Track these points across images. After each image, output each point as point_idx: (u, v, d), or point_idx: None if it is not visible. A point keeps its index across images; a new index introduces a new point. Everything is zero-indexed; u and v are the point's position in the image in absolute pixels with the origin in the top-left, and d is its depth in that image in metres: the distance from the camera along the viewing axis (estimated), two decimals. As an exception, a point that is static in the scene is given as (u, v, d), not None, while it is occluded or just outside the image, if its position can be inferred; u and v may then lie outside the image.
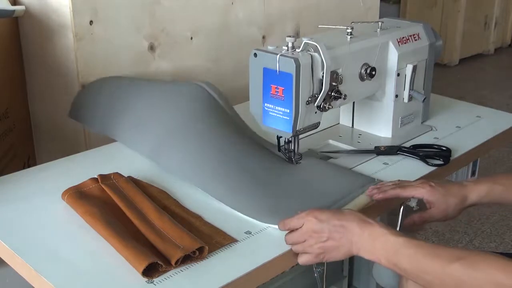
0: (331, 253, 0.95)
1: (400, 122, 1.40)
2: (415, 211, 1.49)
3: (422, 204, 1.53)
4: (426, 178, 1.25)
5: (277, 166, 1.22)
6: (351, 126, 1.47)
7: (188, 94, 1.36)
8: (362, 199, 1.11)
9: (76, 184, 1.12)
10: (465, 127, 1.48)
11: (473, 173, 1.50)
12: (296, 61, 1.09)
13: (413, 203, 1.14)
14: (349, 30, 1.25)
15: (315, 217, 0.96)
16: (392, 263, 0.90)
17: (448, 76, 4.21)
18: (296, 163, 1.23)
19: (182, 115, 1.29)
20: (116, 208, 1.06)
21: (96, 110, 1.40)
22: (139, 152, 1.28)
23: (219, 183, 1.13)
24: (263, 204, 1.09)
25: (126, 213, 1.04)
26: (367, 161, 1.29)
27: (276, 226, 1.01)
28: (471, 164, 1.47)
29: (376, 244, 0.91)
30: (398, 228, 1.18)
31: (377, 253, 0.91)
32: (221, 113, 1.32)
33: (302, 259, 0.97)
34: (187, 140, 1.22)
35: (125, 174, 1.17)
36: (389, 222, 1.87)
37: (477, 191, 1.10)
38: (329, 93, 1.17)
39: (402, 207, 1.15)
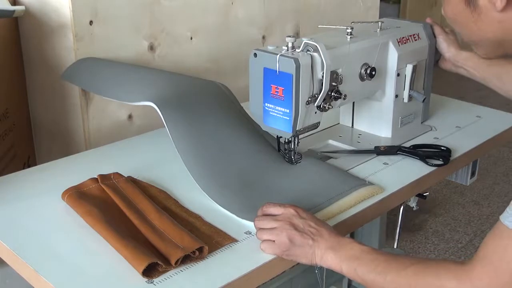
0: (295, 250, 0.95)
1: (400, 122, 1.40)
2: (415, 211, 1.49)
3: (421, 204, 1.53)
4: (426, 178, 1.25)
5: (274, 166, 1.21)
6: (351, 126, 1.47)
7: (203, 83, 1.36)
8: (348, 201, 1.11)
9: (76, 184, 1.12)
10: (465, 127, 1.48)
11: (473, 173, 1.50)
12: (296, 61, 1.09)
13: (413, 203, 1.14)
14: (349, 30, 1.25)
15: (296, 210, 0.99)
16: (352, 268, 0.92)
17: (448, 76, 4.21)
18: (296, 163, 1.23)
19: (190, 94, 1.29)
20: (116, 208, 1.06)
21: (93, 74, 1.38)
22: (141, 99, 1.23)
23: (209, 177, 1.13)
24: (248, 202, 1.09)
25: (126, 213, 1.04)
26: (367, 161, 1.29)
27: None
28: (471, 164, 1.47)
29: (342, 251, 0.93)
30: (398, 228, 1.19)
31: (340, 260, 0.93)
32: (230, 107, 1.32)
33: (265, 246, 0.97)
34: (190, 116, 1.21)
35: (125, 174, 1.17)
36: (389, 222, 1.88)
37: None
38: (329, 93, 1.17)
39: (402, 207, 1.15)
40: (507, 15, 0.87)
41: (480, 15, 0.89)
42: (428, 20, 1.43)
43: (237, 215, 1.06)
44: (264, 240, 0.97)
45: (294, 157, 1.22)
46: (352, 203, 1.11)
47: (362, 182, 1.17)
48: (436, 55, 1.45)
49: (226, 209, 1.08)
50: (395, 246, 1.64)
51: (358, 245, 0.94)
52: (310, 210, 1.06)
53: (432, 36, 1.43)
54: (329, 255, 0.94)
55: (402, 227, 1.55)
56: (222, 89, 1.34)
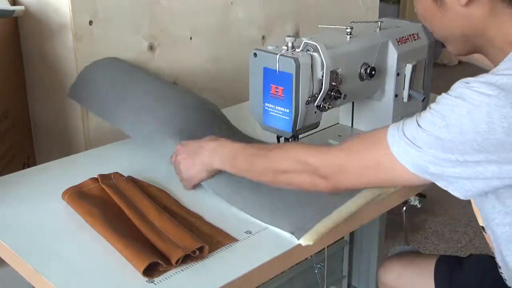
0: (189, 173, 1.10)
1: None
2: (414, 211, 1.49)
3: (421, 204, 1.53)
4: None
5: None
6: (350, 126, 1.47)
7: (191, 96, 1.37)
8: (357, 201, 1.11)
9: (76, 184, 1.12)
10: (464, 126, 1.48)
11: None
12: (296, 61, 1.09)
13: (415, 202, 1.15)
14: (348, 30, 1.25)
15: (180, 145, 1.13)
16: (232, 165, 1.05)
17: (447, 76, 4.21)
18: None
19: (186, 113, 1.30)
20: (116, 208, 1.06)
21: (96, 94, 1.40)
22: (136, 135, 1.29)
23: (221, 180, 1.13)
24: (263, 203, 1.09)
25: (126, 213, 1.04)
26: (367, 160, 1.29)
27: (275, 228, 1.03)
28: (470, 163, 1.47)
29: (224, 152, 1.06)
30: (405, 228, 1.20)
31: (223, 161, 1.06)
32: (223, 117, 1.33)
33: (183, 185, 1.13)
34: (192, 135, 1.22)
35: (125, 174, 1.17)
36: (389, 223, 1.88)
37: None
38: (329, 93, 1.18)
39: (405, 207, 1.16)
40: (470, 10, 0.90)
41: (446, 10, 0.92)
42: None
43: (259, 219, 1.06)
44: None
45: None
46: (364, 202, 1.10)
47: None
48: (436, 51, 1.44)
49: (236, 207, 1.09)
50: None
51: (232, 144, 1.07)
52: (318, 213, 1.05)
53: (432, 36, 1.42)
54: (214, 160, 1.07)
55: (405, 226, 1.55)
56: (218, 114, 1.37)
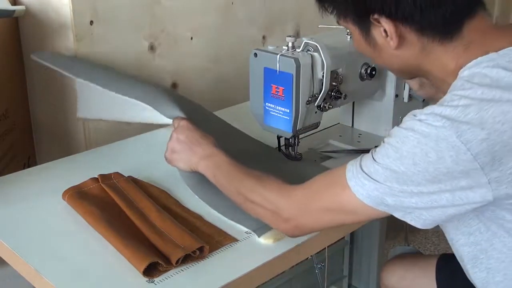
0: (176, 156, 1.10)
1: (400, 122, 1.40)
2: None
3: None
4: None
5: (273, 164, 1.21)
6: (351, 126, 1.47)
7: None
8: None
9: (77, 184, 1.12)
10: (465, 127, 1.48)
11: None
12: (296, 61, 1.09)
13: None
14: (349, 30, 1.25)
15: (187, 124, 1.11)
16: (213, 174, 1.05)
17: (448, 76, 4.20)
18: (296, 158, 1.23)
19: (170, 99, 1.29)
20: (116, 208, 1.06)
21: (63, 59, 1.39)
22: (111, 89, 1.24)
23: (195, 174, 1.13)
24: (228, 200, 1.07)
25: (127, 213, 1.04)
26: (367, 161, 1.29)
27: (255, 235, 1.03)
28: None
29: (211, 160, 1.06)
30: (405, 227, 1.19)
31: (207, 167, 1.06)
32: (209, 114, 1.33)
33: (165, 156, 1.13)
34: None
35: (125, 174, 1.17)
36: (389, 223, 1.88)
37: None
38: (329, 93, 1.18)
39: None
40: (401, 51, 0.92)
41: (380, 52, 0.95)
42: None
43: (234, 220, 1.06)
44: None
45: (294, 152, 1.22)
46: None
47: None
48: None
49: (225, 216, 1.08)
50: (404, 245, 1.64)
51: (224, 157, 1.05)
52: None
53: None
54: (202, 163, 1.07)
55: (405, 226, 1.55)
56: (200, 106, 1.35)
